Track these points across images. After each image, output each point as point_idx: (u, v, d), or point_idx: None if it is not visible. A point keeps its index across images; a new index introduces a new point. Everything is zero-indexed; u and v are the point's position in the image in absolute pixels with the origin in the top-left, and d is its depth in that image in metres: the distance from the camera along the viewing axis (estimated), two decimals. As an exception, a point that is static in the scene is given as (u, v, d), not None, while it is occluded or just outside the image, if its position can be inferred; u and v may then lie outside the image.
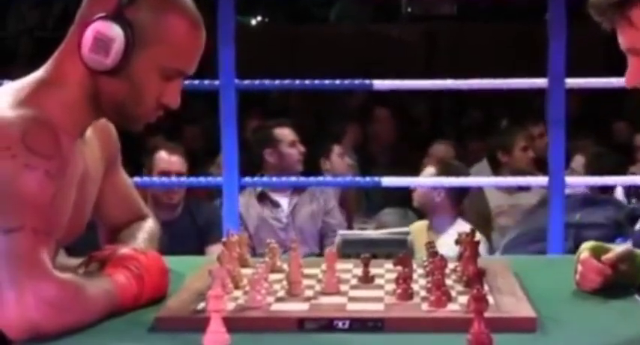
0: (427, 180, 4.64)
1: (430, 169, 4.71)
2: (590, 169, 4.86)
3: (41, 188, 1.74)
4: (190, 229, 4.55)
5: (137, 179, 3.99)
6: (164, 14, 1.85)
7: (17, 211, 1.72)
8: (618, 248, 2.06)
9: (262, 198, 4.95)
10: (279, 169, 4.95)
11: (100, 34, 1.81)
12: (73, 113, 1.87)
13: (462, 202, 4.72)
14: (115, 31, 1.81)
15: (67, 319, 1.71)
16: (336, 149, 5.71)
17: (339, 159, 5.63)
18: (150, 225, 2.19)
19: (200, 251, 4.33)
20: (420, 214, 5.05)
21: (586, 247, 2.06)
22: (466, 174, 4.79)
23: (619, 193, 5.23)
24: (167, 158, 4.58)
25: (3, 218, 1.71)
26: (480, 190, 5.15)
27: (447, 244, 4.11)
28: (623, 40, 1.88)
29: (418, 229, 4.69)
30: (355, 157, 6.40)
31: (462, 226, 4.53)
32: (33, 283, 1.69)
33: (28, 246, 1.71)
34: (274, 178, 4.77)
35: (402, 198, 5.15)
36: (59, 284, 1.71)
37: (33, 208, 1.73)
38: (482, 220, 4.96)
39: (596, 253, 2.03)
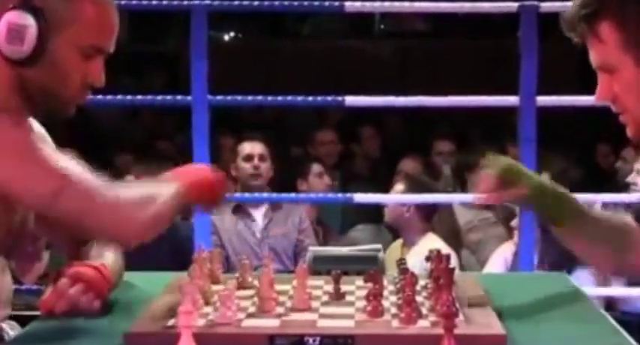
0: (399, 197, 4.66)
1: (399, 186, 4.73)
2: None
3: None
4: (167, 250, 4.47)
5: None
6: None
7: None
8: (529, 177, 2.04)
9: (237, 210, 4.95)
10: (241, 184, 4.98)
11: (12, 24, 1.86)
12: (3, 112, 1.88)
13: (432, 217, 4.74)
14: (27, 19, 1.86)
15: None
16: (315, 168, 5.60)
17: (316, 179, 5.53)
18: None
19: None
20: (394, 230, 5.07)
21: (500, 164, 2.03)
22: (435, 189, 4.81)
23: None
24: None
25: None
26: (449, 207, 5.16)
27: (417, 256, 4.15)
28: (593, 57, 1.89)
29: (394, 247, 4.72)
30: (337, 173, 6.39)
31: (433, 240, 4.56)
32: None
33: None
34: (247, 194, 4.78)
35: (376, 214, 5.16)
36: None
37: None
38: (452, 237, 4.98)
39: (507, 174, 2.02)
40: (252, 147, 5.05)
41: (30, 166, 1.82)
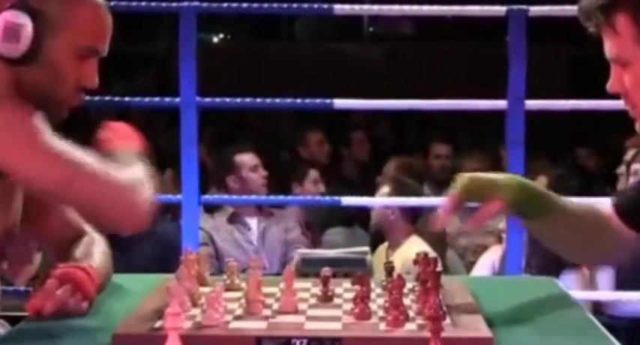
0: (386, 200, 4.66)
1: (385, 189, 4.74)
2: (553, 191, 4.89)
3: None
4: (154, 251, 4.43)
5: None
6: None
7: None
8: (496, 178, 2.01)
9: (233, 220, 4.93)
10: (244, 195, 4.97)
11: (9, 22, 1.91)
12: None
13: (416, 219, 4.74)
14: (23, 19, 1.91)
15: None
16: (312, 174, 5.56)
17: (311, 185, 5.51)
18: (99, 239, 2.19)
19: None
20: (372, 233, 5.09)
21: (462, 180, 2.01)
22: (420, 192, 4.82)
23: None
24: None
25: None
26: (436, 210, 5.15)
27: (401, 258, 4.15)
28: (608, 48, 1.87)
29: (379, 250, 4.73)
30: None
31: (417, 242, 4.57)
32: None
33: None
34: (234, 196, 4.78)
35: (347, 217, 5.20)
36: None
37: None
38: (438, 240, 4.99)
39: (470, 187, 2.00)
40: (253, 158, 5.05)
41: (42, 153, 1.85)
